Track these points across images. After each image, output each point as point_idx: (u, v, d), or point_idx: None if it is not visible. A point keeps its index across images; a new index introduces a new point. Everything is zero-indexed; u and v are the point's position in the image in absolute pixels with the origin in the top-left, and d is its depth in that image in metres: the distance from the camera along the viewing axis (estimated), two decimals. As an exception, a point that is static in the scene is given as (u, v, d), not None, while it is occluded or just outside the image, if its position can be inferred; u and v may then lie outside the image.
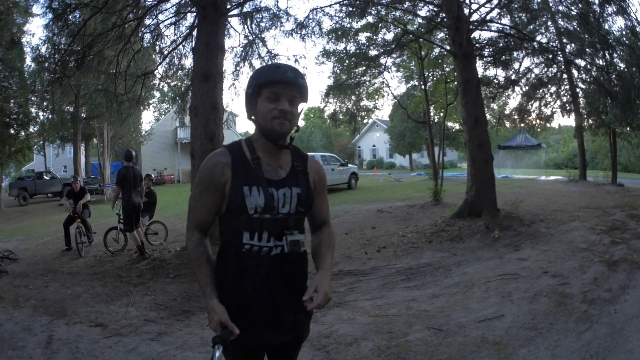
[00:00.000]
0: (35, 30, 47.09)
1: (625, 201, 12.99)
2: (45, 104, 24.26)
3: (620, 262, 6.26)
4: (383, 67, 15.09)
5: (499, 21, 12.93)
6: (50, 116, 25.29)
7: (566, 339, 3.90)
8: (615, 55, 13.74)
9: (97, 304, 5.81)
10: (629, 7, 11.51)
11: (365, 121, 29.37)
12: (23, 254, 9.76)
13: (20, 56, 20.75)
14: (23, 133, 24.74)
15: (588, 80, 16.94)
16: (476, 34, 12.71)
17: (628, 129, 20.27)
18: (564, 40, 15.32)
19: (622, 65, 14.63)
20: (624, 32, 13.13)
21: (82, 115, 26.09)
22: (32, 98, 22.48)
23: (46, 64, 11.07)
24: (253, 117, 1.82)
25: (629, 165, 35.86)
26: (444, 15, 11.39)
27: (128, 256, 8.66)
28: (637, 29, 12.12)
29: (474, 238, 8.28)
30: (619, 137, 21.51)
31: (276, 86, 1.75)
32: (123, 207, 8.61)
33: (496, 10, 12.23)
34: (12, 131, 23.50)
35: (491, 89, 15.74)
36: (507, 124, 21.39)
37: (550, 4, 13.53)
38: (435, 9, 12.45)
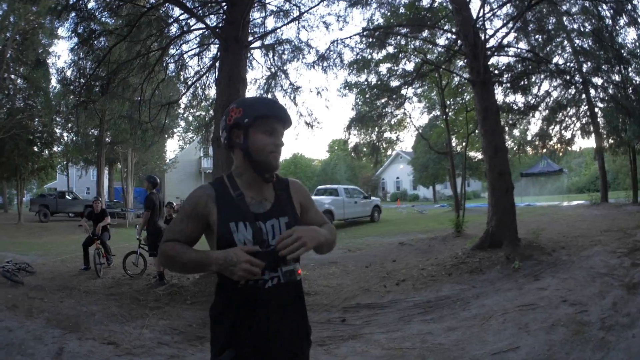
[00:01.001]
0: (61, 53, 48.49)
1: (646, 220, 12.76)
2: (70, 125, 25.02)
3: (640, 285, 6.14)
4: (404, 98, 15.14)
5: (516, 45, 12.96)
6: (74, 138, 26.04)
7: (582, 368, 3.79)
8: (630, 69, 13.65)
9: (111, 323, 5.85)
10: (640, 17, 11.40)
11: (388, 153, 29.55)
12: (41, 268, 9.92)
13: (46, 76, 21.52)
14: (46, 152, 25.49)
15: (606, 98, 16.83)
16: (494, 60, 12.72)
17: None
18: (580, 59, 15.26)
19: (637, 78, 14.54)
20: (637, 44, 13.05)
21: (107, 139, 26.70)
22: (57, 119, 23.22)
23: (71, 87, 11.36)
24: (239, 149, 1.82)
25: (650, 183, 35.18)
26: (461, 42, 11.44)
27: (146, 280, 8.75)
28: None
29: (494, 269, 8.13)
30: (639, 154, 21.24)
31: (274, 121, 1.81)
32: (149, 232, 8.72)
33: (512, 35, 12.28)
34: (35, 149, 24.23)
35: (511, 115, 15.67)
36: (529, 150, 21.20)
37: (565, 23, 13.55)
38: (453, 36, 12.54)
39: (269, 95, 11.66)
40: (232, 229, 1.72)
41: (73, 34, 9.60)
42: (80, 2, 9.22)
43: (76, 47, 10.04)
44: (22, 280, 8.07)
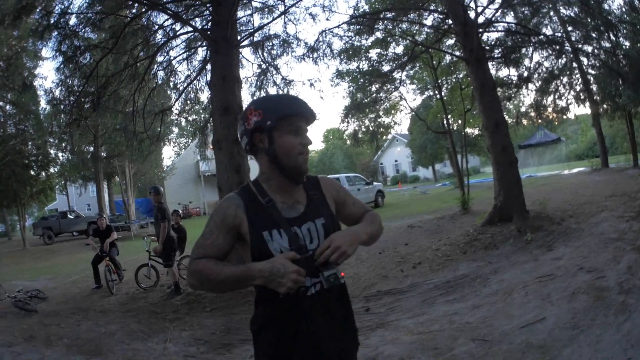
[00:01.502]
0: (48, 73, 48.18)
1: (649, 183, 12.85)
2: (64, 144, 24.79)
3: (650, 247, 6.19)
4: (399, 81, 15.15)
5: (504, 19, 12.86)
6: (70, 157, 25.90)
7: (607, 333, 3.89)
8: (619, 34, 13.56)
9: (133, 342, 5.73)
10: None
11: (385, 137, 29.51)
12: (52, 292, 9.76)
13: (34, 99, 21.36)
14: (43, 174, 25.32)
15: (597, 65, 16.74)
16: (484, 37, 12.65)
17: (642, 108, 20.11)
18: (569, 29, 15.18)
19: (627, 43, 14.48)
20: (623, 9, 12.93)
21: (102, 154, 26.58)
22: (50, 140, 22.99)
23: (61, 107, 11.22)
24: (264, 154, 1.71)
25: (647, 145, 35.37)
26: (450, 22, 11.33)
27: (161, 292, 8.63)
28: (636, 3, 11.89)
29: (507, 243, 8.16)
30: (635, 118, 21.39)
31: (298, 119, 1.70)
32: (164, 242, 8.52)
33: (499, 10, 12.18)
34: (32, 172, 24.10)
35: (505, 89, 15.62)
36: (525, 122, 21.18)
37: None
38: (441, 16, 12.45)
39: (262, 92, 11.54)
40: (266, 238, 1.63)
41: (57, 53, 9.42)
42: (62, 20, 9.08)
43: (62, 65, 9.85)
44: (36, 307, 7.89)
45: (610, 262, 5.90)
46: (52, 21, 9.04)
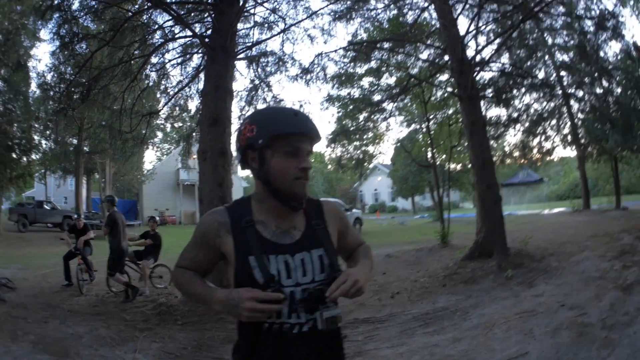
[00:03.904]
0: (42, 56, 47.38)
1: (632, 224, 12.93)
2: (48, 132, 24.36)
3: (634, 285, 6.22)
4: (388, 112, 15.24)
5: (499, 60, 13.06)
6: (53, 146, 25.34)
7: (591, 367, 3.86)
8: (612, 81, 13.86)
9: (101, 347, 5.47)
10: (623, 30, 11.57)
11: (367, 166, 29.87)
12: (21, 283, 9.46)
13: (26, 80, 20.86)
14: (25, 159, 24.63)
15: (587, 109, 17.09)
16: (477, 75, 12.82)
17: (628, 152, 20.45)
18: (562, 74, 15.51)
19: (619, 90, 14.81)
20: (619, 57, 13.23)
21: (85, 148, 26.07)
22: (36, 125, 22.47)
23: (51, 93, 11.07)
24: (258, 174, 1.53)
25: (630, 187, 36.08)
26: (447, 58, 11.43)
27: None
28: (632, 51, 12.19)
29: (488, 279, 8.12)
30: (620, 161, 21.73)
31: (297, 138, 1.48)
32: (112, 251, 8.39)
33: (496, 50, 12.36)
34: (14, 155, 23.34)
35: (493, 128, 15.81)
36: (509, 162, 21.41)
37: (547, 38, 13.74)
38: (438, 51, 12.61)
39: (251, 107, 11.38)
40: (252, 264, 1.44)
41: (55, 37, 9.25)
42: (65, 2, 8.94)
43: (57, 50, 9.73)
44: (4, 297, 7.62)
45: (592, 299, 5.90)
46: (55, 2, 8.88)
